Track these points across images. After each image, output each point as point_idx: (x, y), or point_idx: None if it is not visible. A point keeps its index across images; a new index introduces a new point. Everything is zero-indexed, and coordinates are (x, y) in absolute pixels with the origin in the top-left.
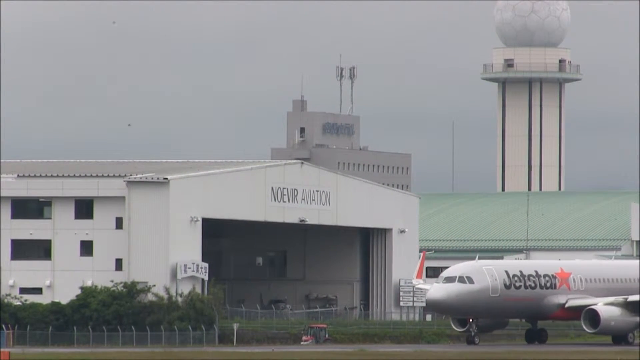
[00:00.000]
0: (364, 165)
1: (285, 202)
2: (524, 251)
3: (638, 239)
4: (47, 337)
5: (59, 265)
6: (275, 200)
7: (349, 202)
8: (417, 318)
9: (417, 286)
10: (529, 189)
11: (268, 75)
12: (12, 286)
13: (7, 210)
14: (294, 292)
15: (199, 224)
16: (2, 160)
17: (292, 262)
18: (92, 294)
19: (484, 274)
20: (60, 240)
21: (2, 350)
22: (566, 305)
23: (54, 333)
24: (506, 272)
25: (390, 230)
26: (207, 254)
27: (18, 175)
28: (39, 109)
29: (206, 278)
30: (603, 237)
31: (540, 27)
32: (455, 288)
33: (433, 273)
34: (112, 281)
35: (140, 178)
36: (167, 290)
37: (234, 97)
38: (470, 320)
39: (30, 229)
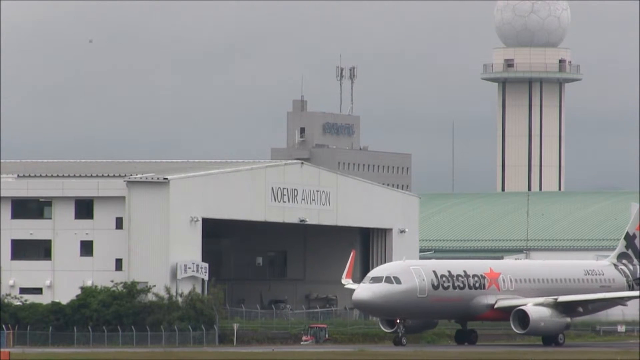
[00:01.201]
0: (364, 165)
1: (285, 202)
2: (524, 251)
3: None
4: (47, 337)
5: (59, 265)
6: (275, 200)
7: (349, 202)
8: None
9: (346, 286)
10: (529, 189)
11: (268, 75)
12: (12, 286)
13: (7, 210)
14: (294, 292)
15: (199, 224)
16: (2, 160)
17: (292, 262)
18: (92, 294)
19: (411, 274)
20: (61, 240)
21: (2, 350)
22: (495, 306)
23: (54, 333)
24: (434, 272)
25: (390, 230)
26: (207, 254)
27: (18, 175)
28: (39, 109)
29: (206, 278)
30: (603, 237)
31: (540, 27)
32: (381, 288)
33: None
34: (112, 281)
35: (140, 178)
36: (167, 290)
37: (234, 97)
38: (398, 321)
39: (30, 229)
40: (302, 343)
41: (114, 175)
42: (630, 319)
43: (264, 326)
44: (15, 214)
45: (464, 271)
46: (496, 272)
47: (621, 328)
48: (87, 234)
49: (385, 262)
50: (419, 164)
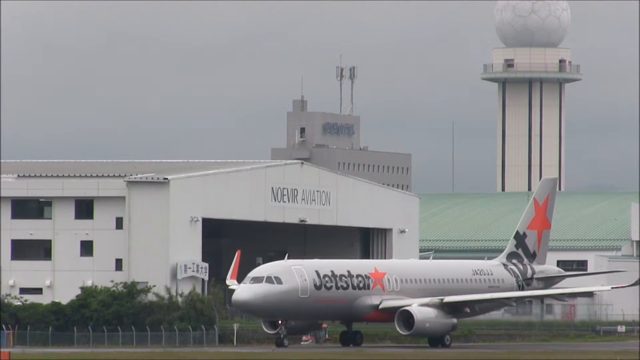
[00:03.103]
0: (364, 165)
1: (285, 202)
2: None
3: (638, 239)
4: (47, 337)
5: (59, 265)
6: (275, 200)
7: (349, 202)
8: None
9: (230, 287)
10: (529, 189)
11: (268, 75)
12: (12, 286)
13: (7, 210)
14: None
15: (199, 224)
16: (2, 160)
17: None
18: (92, 294)
19: (293, 274)
20: (61, 240)
21: (2, 350)
22: (380, 307)
23: (54, 333)
24: (316, 272)
25: (390, 230)
26: (207, 254)
27: (18, 175)
28: (39, 109)
29: (206, 278)
30: (603, 237)
31: (541, 27)
32: (262, 289)
33: None
34: (112, 281)
35: (140, 178)
36: (167, 290)
37: (234, 97)
38: (280, 322)
39: (30, 229)
40: (302, 343)
41: (114, 175)
42: (630, 319)
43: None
44: (15, 214)
45: (348, 271)
46: (381, 272)
47: (621, 328)
48: (87, 234)
49: None
50: (419, 164)
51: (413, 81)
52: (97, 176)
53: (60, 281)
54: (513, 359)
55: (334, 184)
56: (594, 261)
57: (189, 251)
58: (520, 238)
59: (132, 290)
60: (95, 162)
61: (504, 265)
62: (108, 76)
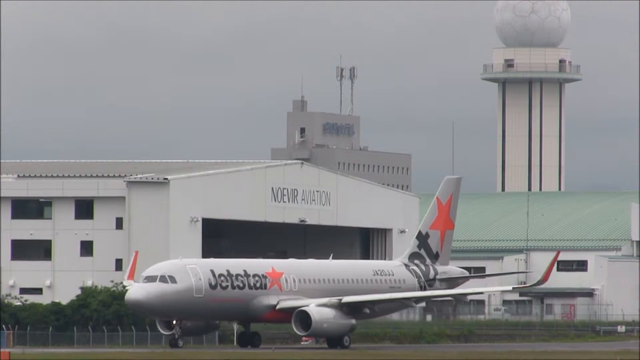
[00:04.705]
0: (364, 165)
1: (285, 202)
2: (524, 251)
3: (638, 239)
4: (47, 337)
5: (59, 265)
6: (275, 200)
7: (349, 202)
8: (417, 318)
9: (127, 287)
10: (529, 189)
11: (268, 75)
12: (12, 286)
13: (7, 210)
14: None
15: (199, 224)
16: (2, 160)
17: None
18: (92, 294)
19: (188, 273)
20: (61, 241)
21: (2, 350)
22: (277, 307)
23: (54, 333)
24: (212, 271)
25: (390, 230)
26: (207, 254)
27: (18, 175)
28: (39, 109)
29: None
30: (603, 237)
31: (541, 27)
32: (155, 288)
33: None
34: (112, 281)
35: (140, 178)
36: None
37: (234, 97)
38: (175, 322)
39: (31, 229)
40: (302, 343)
41: (114, 175)
42: (630, 319)
43: (264, 326)
44: (15, 214)
45: (244, 270)
46: (278, 272)
47: (621, 328)
48: (87, 234)
49: None
50: (419, 164)
51: (413, 81)
52: (97, 176)
53: (60, 281)
54: (514, 359)
55: (334, 184)
56: (594, 261)
57: (189, 251)
58: (423, 238)
59: None
60: (95, 162)
61: (406, 265)
62: (108, 76)
